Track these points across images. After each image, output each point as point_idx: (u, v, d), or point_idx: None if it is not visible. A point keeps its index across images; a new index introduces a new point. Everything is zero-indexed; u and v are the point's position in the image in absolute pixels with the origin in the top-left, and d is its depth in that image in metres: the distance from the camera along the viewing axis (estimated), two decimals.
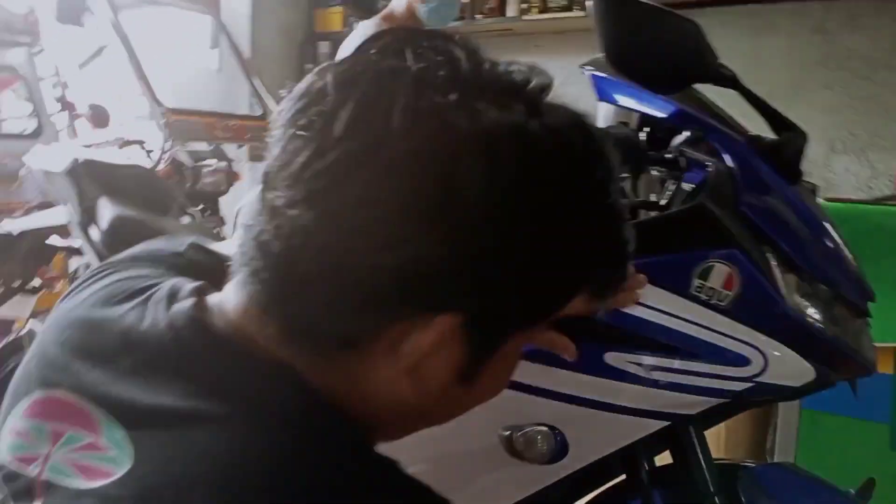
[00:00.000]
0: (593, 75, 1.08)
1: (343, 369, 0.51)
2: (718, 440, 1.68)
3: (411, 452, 0.95)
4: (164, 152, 2.88)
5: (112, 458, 0.48)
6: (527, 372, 0.92)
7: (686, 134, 1.05)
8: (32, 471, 0.52)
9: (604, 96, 1.07)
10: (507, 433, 0.89)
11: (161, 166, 2.79)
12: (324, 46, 4.20)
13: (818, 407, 1.62)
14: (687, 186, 1.05)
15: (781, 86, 3.30)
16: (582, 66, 1.11)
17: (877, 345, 1.62)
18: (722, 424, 1.74)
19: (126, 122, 3.48)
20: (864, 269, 1.00)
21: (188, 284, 0.56)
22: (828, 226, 1.00)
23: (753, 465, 1.04)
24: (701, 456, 0.98)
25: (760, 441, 1.73)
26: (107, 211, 1.76)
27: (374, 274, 0.47)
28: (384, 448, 0.54)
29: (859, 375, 0.97)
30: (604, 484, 1.06)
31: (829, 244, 0.97)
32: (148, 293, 0.56)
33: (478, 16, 3.94)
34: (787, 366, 0.89)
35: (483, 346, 0.53)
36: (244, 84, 3.76)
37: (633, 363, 0.90)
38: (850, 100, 3.22)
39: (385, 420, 0.55)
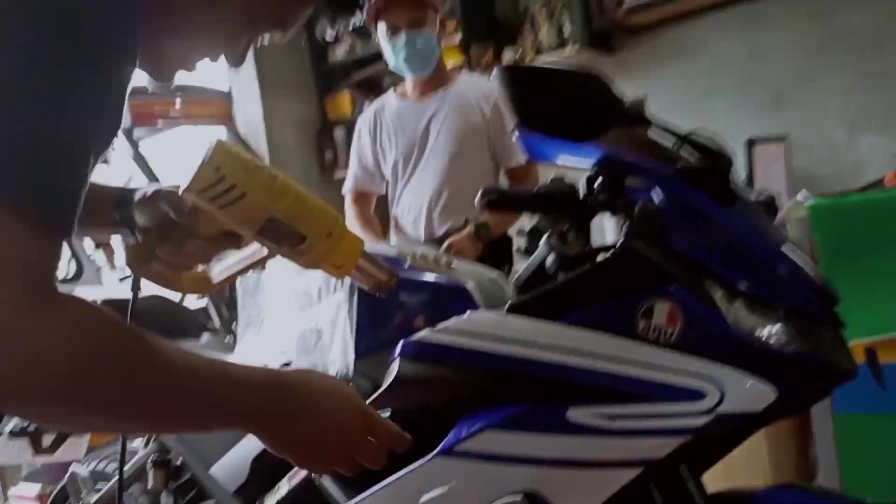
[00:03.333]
0: (522, 137, 1.10)
1: None
2: (764, 465, 1.62)
3: None
4: None
5: None
6: (494, 441, 0.93)
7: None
8: None
9: (535, 156, 1.10)
10: None
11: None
12: (339, 131, 4.33)
13: (852, 410, 1.55)
14: None
15: (790, 77, 3.24)
16: (511, 130, 1.14)
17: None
18: (764, 449, 1.68)
19: None
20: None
21: None
22: (776, 241, 0.99)
23: (760, 491, 1.01)
24: (696, 495, 0.97)
25: (805, 457, 1.66)
26: None
27: None
28: None
29: (835, 384, 0.94)
30: None
31: (778, 260, 0.96)
32: None
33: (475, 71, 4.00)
34: (744, 391, 0.87)
35: None
36: None
37: (595, 416, 0.90)
38: (861, 77, 3.13)
39: None
